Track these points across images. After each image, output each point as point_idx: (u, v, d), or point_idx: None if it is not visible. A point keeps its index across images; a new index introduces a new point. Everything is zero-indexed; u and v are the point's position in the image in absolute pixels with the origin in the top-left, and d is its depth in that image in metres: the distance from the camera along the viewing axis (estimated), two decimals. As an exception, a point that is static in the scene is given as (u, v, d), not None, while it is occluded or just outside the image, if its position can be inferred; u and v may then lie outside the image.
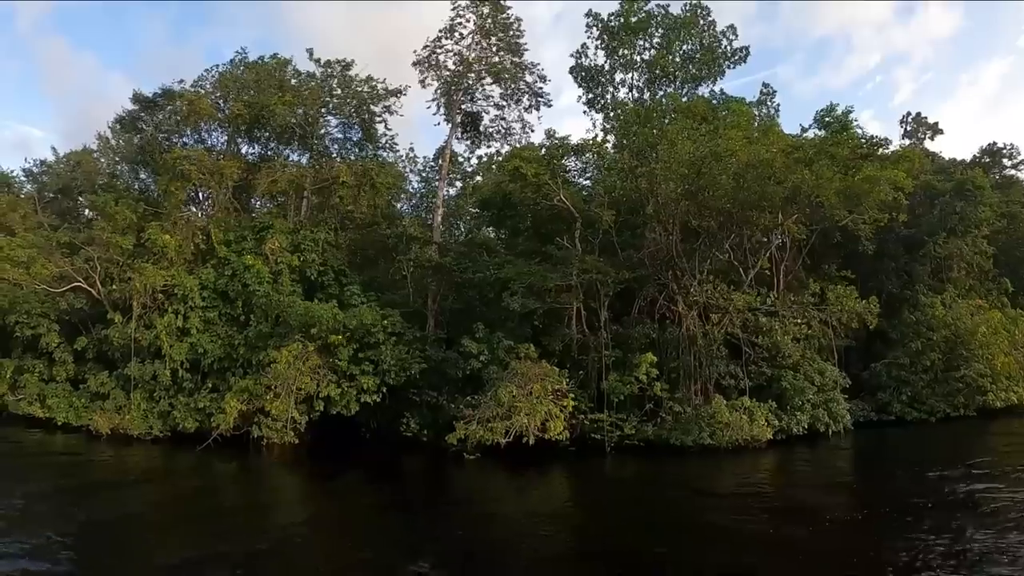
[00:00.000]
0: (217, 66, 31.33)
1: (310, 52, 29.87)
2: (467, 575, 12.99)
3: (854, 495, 21.14)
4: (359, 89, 29.90)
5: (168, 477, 22.92)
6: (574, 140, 28.72)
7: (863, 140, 31.15)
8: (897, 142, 37.76)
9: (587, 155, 28.40)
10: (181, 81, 31.13)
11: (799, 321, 29.48)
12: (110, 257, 28.20)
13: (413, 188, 36.09)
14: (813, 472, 25.48)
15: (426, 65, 29.51)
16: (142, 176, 32.94)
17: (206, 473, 23.43)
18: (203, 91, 30.69)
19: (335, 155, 30.97)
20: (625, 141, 27.14)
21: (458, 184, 36.54)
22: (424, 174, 35.73)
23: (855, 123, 31.12)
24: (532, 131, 30.79)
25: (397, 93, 29.93)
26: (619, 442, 25.57)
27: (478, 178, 36.28)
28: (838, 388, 29.71)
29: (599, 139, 29.54)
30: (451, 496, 21.52)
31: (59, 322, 29.62)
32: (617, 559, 13.84)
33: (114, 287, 27.92)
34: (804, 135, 31.30)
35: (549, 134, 27.47)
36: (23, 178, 38.00)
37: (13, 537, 14.41)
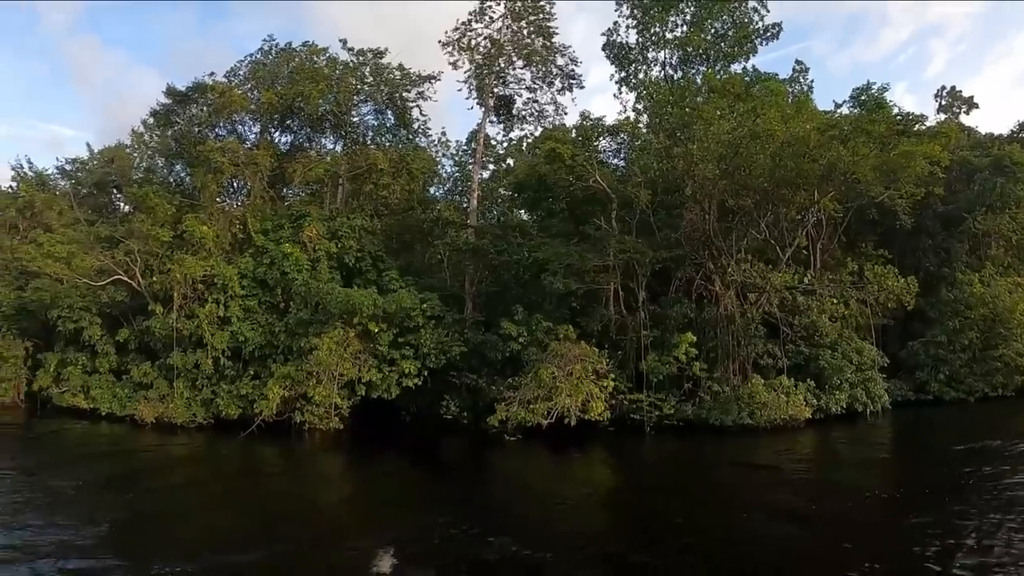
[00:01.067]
0: (251, 55, 31.53)
1: (343, 41, 30.01)
2: (513, 552, 12.95)
3: (893, 473, 20.99)
4: (392, 76, 29.96)
5: (215, 463, 23.24)
6: (601, 118, 28.66)
7: (899, 117, 30.80)
8: (932, 117, 37.18)
9: (621, 135, 28.23)
10: (212, 74, 31.45)
11: (836, 300, 29.27)
12: (149, 249, 28.48)
13: (447, 172, 36.19)
14: (852, 451, 25.35)
15: (456, 47, 29.46)
16: (177, 168, 33.29)
17: (252, 459, 23.77)
18: (235, 82, 30.93)
19: (369, 142, 31.06)
20: (659, 121, 26.95)
21: (491, 167, 36.48)
22: (457, 158, 35.77)
23: (891, 102, 30.95)
24: (566, 113, 30.60)
25: (431, 79, 29.98)
26: (658, 422, 25.61)
27: (510, 161, 36.19)
28: (876, 367, 29.43)
29: (632, 118, 29.37)
30: (494, 476, 21.66)
31: (100, 315, 29.99)
32: (660, 536, 13.79)
33: (154, 279, 28.23)
34: (838, 111, 31.04)
35: (584, 116, 27.38)
36: (58, 175, 38.69)
37: (70, 527, 14.42)
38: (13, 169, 38.39)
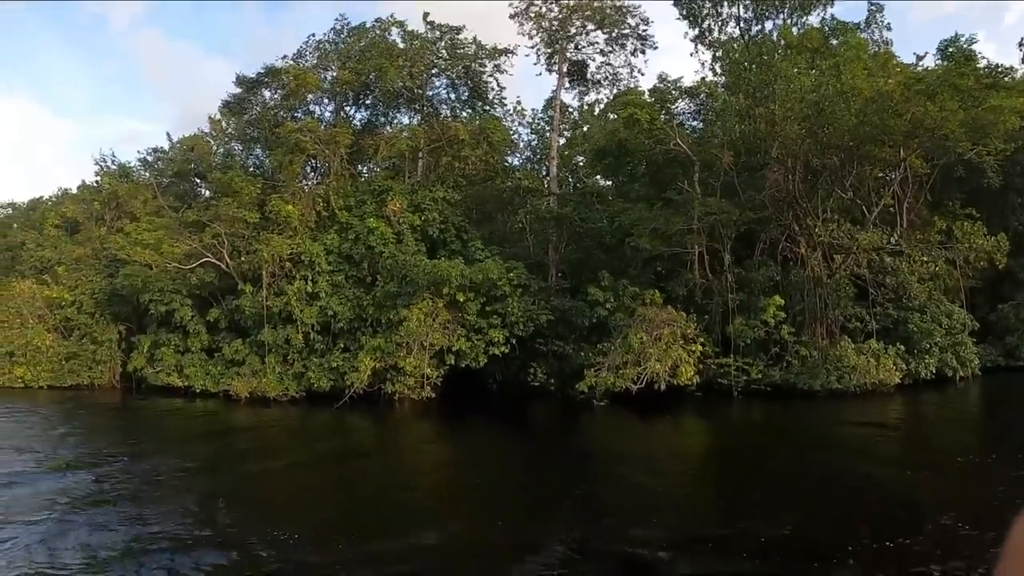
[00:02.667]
0: (313, 35, 32.14)
1: (425, 15, 30.30)
2: (623, 510, 12.99)
3: (987, 439, 20.31)
4: (468, 51, 30.11)
5: (317, 434, 23.74)
6: (679, 79, 28.19)
7: (987, 69, 29.57)
8: (1019, 68, 35.39)
9: (700, 96, 27.81)
10: (284, 57, 32.16)
11: (925, 260, 28.47)
12: (236, 231, 29.38)
13: (523, 141, 36.28)
14: (944, 416, 24.65)
15: (524, 16, 29.39)
16: (256, 152, 34.20)
17: (349, 429, 24.38)
18: (306, 64, 31.58)
19: (444, 115, 31.38)
20: (737, 80, 26.39)
21: (567, 134, 36.36)
22: (533, 126, 35.87)
23: (979, 54, 29.73)
24: (642, 74, 30.30)
25: (507, 52, 30.05)
26: (746, 387, 25.39)
27: (585, 128, 36.07)
28: (966, 331, 28.50)
29: (709, 78, 28.85)
30: (591, 441, 21.69)
31: (190, 296, 31.14)
32: (752, 498, 13.61)
33: (242, 259, 29.17)
34: (921, 64, 29.96)
35: (661, 78, 27.06)
36: (140, 166, 40.26)
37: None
38: (97, 163, 40.16)
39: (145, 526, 11.99)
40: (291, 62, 32.26)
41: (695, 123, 29.47)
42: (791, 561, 9.80)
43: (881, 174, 28.79)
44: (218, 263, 30.04)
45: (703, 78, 29.55)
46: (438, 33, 30.38)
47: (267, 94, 33.25)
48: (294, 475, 16.99)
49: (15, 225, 52.49)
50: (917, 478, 14.68)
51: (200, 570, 9.87)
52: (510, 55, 30.05)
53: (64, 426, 25.20)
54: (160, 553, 10.47)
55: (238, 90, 33.93)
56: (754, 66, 25.86)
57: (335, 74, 30.71)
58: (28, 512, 12.71)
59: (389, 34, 30.83)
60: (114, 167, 39.86)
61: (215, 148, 36.94)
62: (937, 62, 29.50)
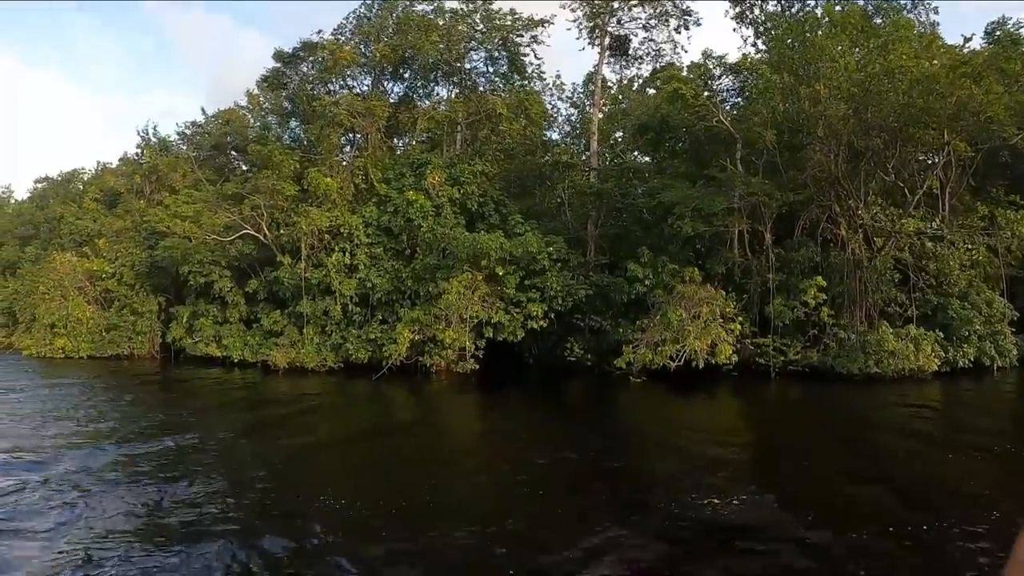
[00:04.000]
0: (354, 11, 32.29)
1: (456, -13, 30.23)
2: (656, 483, 12.97)
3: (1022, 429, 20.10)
4: (504, 22, 30.07)
5: (360, 404, 24.06)
6: (724, 56, 27.88)
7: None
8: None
9: (743, 73, 27.53)
10: (320, 31, 32.36)
11: (970, 247, 28.12)
12: (275, 204, 29.73)
13: (562, 115, 36.20)
14: (984, 405, 24.40)
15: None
16: (292, 126, 34.44)
17: (389, 399, 24.55)
18: (344, 39, 31.75)
19: (482, 88, 31.34)
20: (780, 59, 26.06)
21: (606, 109, 36.21)
22: (573, 100, 35.77)
23: (1025, 38, 29.10)
24: (686, 51, 30.01)
25: (544, 23, 29.87)
26: (782, 367, 25.35)
27: (623, 105, 35.94)
28: (1006, 320, 28.17)
29: (751, 55, 28.50)
30: (627, 415, 21.74)
31: (229, 268, 31.63)
32: (790, 475, 13.55)
33: (281, 231, 29.53)
34: (967, 47, 29.46)
35: (706, 54, 26.83)
36: (179, 140, 40.84)
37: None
38: (139, 135, 40.86)
39: (200, 495, 11.97)
40: (330, 37, 32.45)
41: (737, 100, 29.21)
42: (822, 541, 9.78)
43: (924, 157, 28.43)
44: (257, 235, 30.41)
45: (745, 55, 29.25)
46: (469, 5, 30.32)
47: (305, 68, 33.47)
48: (339, 447, 17.00)
49: (51, 200, 53.54)
50: (954, 464, 14.49)
51: (254, 541, 9.83)
52: (547, 25, 29.89)
53: (116, 397, 25.19)
54: (213, 523, 10.49)
55: (276, 65, 34.19)
56: (797, 44, 25.54)
57: (372, 48, 30.79)
58: (99, 482, 12.87)
59: (420, 5, 30.79)
60: (155, 140, 40.49)
61: (252, 121, 37.31)
62: (983, 45, 29.07)
